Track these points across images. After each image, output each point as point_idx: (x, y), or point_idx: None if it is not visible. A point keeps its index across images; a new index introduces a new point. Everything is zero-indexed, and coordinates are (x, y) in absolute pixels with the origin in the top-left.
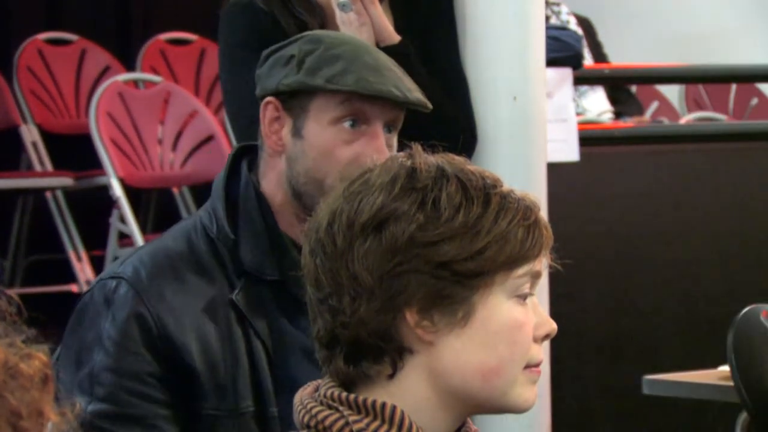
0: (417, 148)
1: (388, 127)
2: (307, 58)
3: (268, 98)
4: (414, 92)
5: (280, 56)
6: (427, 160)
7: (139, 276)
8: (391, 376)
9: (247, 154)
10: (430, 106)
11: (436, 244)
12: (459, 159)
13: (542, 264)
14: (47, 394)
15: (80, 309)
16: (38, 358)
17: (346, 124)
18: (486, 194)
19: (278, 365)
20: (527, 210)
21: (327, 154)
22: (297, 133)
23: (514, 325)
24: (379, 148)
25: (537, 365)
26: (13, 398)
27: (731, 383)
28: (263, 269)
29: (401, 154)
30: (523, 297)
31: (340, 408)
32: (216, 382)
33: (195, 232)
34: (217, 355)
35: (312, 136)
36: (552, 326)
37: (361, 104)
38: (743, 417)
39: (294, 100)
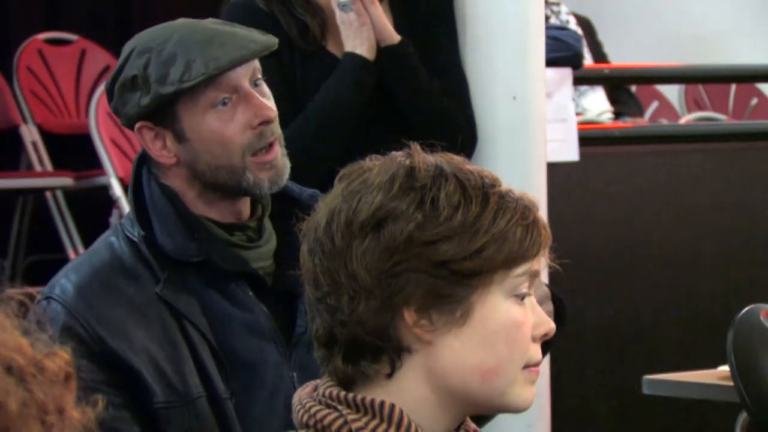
0: (416, 147)
1: (254, 82)
2: (148, 71)
3: (138, 124)
4: (257, 40)
5: (123, 82)
6: (426, 159)
7: (66, 292)
8: (390, 376)
9: (146, 159)
10: (275, 40)
11: (434, 243)
12: (458, 158)
13: (540, 263)
14: (70, 392)
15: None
16: (61, 356)
17: (219, 106)
18: (484, 193)
19: (220, 345)
20: (525, 209)
21: (219, 141)
22: (181, 138)
23: (512, 324)
24: (258, 105)
25: (536, 365)
26: (41, 392)
27: (731, 383)
28: (185, 252)
29: (400, 153)
30: (521, 296)
31: (339, 407)
32: (161, 377)
33: (117, 238)
34: (157, 350)
35: (196, 133)
36: (550, 326)
37: (221, 79)
38: (743, 417)
39: (159, 114)
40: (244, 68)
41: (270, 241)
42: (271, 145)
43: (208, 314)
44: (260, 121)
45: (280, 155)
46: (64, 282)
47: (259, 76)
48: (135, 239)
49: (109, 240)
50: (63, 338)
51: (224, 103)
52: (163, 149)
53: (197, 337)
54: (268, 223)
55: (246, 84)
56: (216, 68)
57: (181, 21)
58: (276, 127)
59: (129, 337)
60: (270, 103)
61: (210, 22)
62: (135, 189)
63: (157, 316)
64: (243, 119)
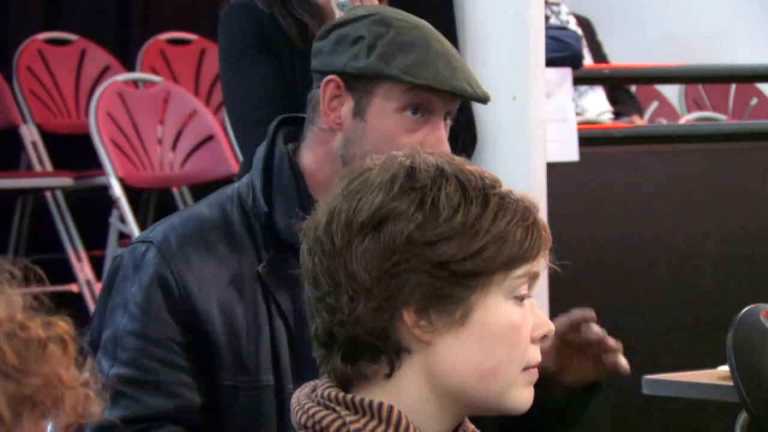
0: (417, 147)
1: (446, 116)
2: (379, 43)
3: (331, 76)
4: (480, 85)
5: (345, 35)
6: (427, 159)
7: (168, 241)
8: (389, 376)
9: (285, 125)
10: (490, 97)
11: (434, 243)
12: (458, 159)
13: (540, 265)
14: (67, 359)
15: (111, 272)
16: (59, 326)
17: (409, 112)
18: (485, 194)
19: (301, 342)
20: (526, 210)
21: (389, 141)
22: (359, 114)
23: (511, 326)
24: (440, 139)
25: (534, 366)
26: (21, 361)
27: (731, 383)
28: (296, 237)
29: (401, 153)
30: (520, 298)
31: (337, 408)
32: (237, 354)
33: (231, 202)
34: (240, 327)
35: (375, 120)
36: (550, 327)
37: (431, 95)
38: (743, 417)
39: (359, 81)
40: (450, 100)
41: None
42: None
43: (296, 305)
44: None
45: None
46: (169, 232)
47: (453, 115)
48: (248, 209)
49: (222, 200)
50: (152, 286)
51: (414, 112)
52: (334, 111)
53: (281, 325)
54: None
55: (441, 113)
56: (440, 84)
57: (430, 26)
58: None
59: (217, 306)
60: (448, 147)
61: (449, 44)
62: (266, 159)
63: (251, 294)
64: (420, 138)
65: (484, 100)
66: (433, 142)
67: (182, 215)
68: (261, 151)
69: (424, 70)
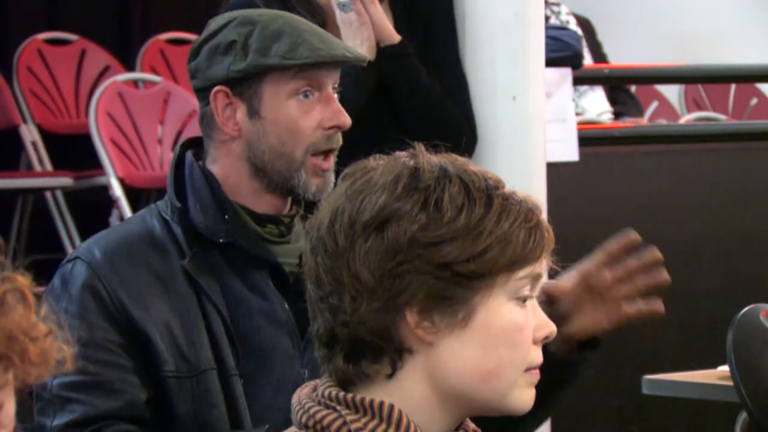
0: (420, 147)
1: (334, 88)
2: (250, 41)
3: (217, 87)
4: (356, 51)
5: (216, 45)
6: (430, 160)
7: (93, 253)
8: (390, 376)
9: (190, 146)
10: (366, 57)
11: (437, 244)
12: (461, 159)
13: (543, 266)
14: (27, 312)
15: (44, 299)
16: (17, 279)
17: (301, 96)
18: (488, 195)
19: (235, 327)
20: (529, 212)
21: (290, 128)
22: (254, 114)
23: (514, 327)
24: (337, 110)
25: (536, 368)
26: None
27: (731, 383)
28: (215, 230)
29: (404, 153)
30: (523, 299)
31: (338, 408)
32: (175, 347)
33: (150, 215)
34: (174, 321)
35: (271, 114)
36: (552, 328)
37: (314, 73)
38: (743, 417)
39: (243, 84)
40: (333, 71)
41: (298, 240)
42: (331, 152)
43: (227, 296)
44: (334, 125)
45: (332, 167)
46: (92, 246)
47: (337, 86)
48: (167, 217)
49: (142, 216)
50: (83, 295)
51: (306, 95)
52: (230, 119)
53: (214, 314)
54: (298, 223)
55: (330, 86)
56: (320, 57)
57: (279, 10)
58: (340, 138)
59: (148, 305)
60: (347, 117)
61: (308, 21)
62: (176, 170)
63: (179, 288)
64: (319, 117)
65: (363, 61)
66: (330, 115)
67: (104, 232)
68: (170, 169)
69: (301, 50)
